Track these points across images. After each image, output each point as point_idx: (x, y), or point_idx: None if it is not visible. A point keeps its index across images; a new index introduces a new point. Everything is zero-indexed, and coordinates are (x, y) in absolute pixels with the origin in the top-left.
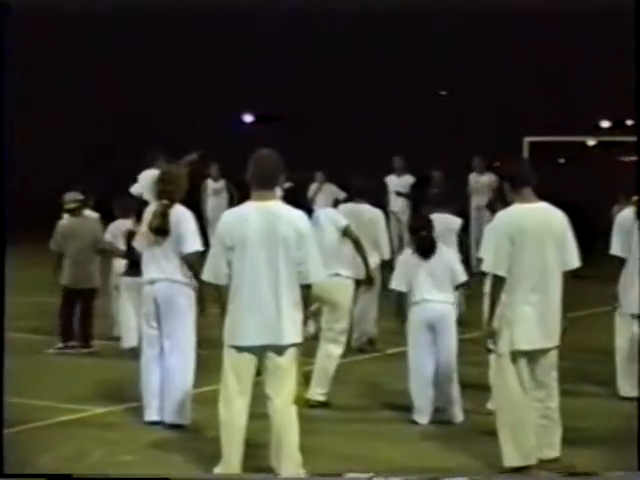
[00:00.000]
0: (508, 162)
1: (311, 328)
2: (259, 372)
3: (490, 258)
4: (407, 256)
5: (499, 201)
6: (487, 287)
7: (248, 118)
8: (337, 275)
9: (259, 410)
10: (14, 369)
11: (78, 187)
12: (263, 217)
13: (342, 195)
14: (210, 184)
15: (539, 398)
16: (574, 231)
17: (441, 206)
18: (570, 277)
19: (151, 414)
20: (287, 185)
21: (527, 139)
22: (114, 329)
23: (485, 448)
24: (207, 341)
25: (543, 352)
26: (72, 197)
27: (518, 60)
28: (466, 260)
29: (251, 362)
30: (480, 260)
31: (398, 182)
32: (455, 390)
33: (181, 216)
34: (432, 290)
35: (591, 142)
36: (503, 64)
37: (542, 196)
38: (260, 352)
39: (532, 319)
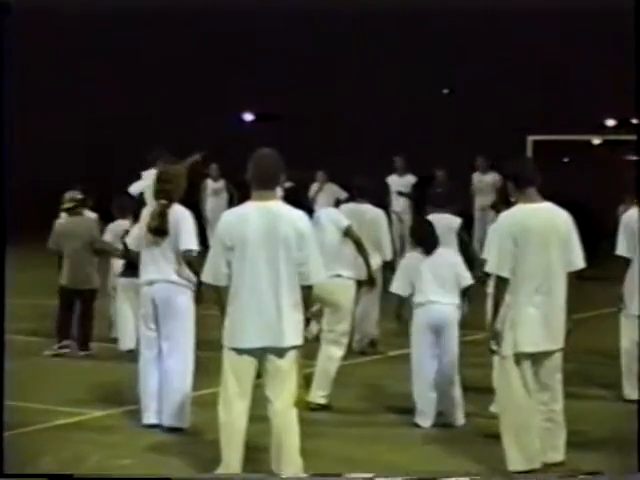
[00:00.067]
0: (512, 161)
1: (313, 329)
2: (259, 374)
3: (493, 259)
4: (409, 259)
5: (502, 201)
6: (490, 288)
7: (248, 117)
8: (338, 276)
9: (259, 413)
10: (12, 371)
11: (78, 186)
12: (263, 217)
13: (343, 195)
14: (210, 184)
15: (543, 401)
16: (579, 231)
17: (443, 206)
18: (575, 278)
19: (149, 417)
20: (288, 185)
21: (531, 138)
22: (112, 331)
23: (488, 452)
24: (206, 343)
25: (547, 354)
26: (70, 196)
27: (521, 59)
28: (467, 260)
29: (251, 364)
30: (483, 261)
31: (400, 182)
32: (457, 393)
33: (180, 216)
34: (437, 291)
35: (596, 141)
36: (506, 63)
37: (546, 196)
38: (260, 354)
39: (536, 321)
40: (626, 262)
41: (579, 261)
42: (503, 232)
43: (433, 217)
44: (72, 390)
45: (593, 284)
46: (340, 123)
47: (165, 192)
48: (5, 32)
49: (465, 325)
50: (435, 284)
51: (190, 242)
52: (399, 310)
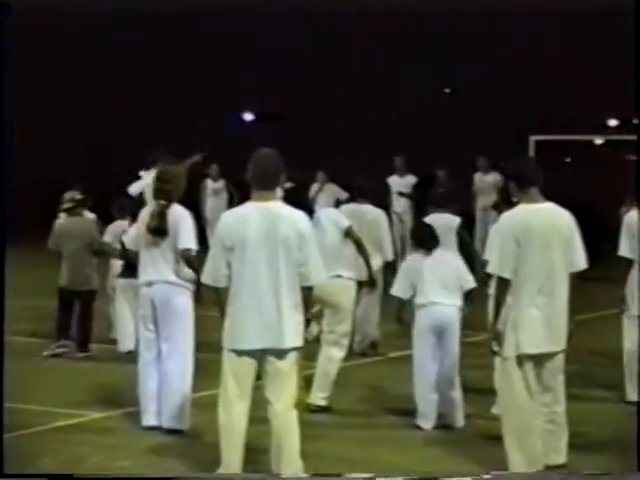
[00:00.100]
0: (514, 161)
1: (314, 331)
2: (259, 376)
3: (495, 260)
4: (410, 262)
5: (503, 201)
6: (492, 289)
7: (248, 117)
8: (339, 277)
9: (259, 414)
10: (10, 373)
11: (77, 187)
12: (263, 218)
13: (344, 195)
14: (209, 184)
15: (545, 403)
16: (581, 232)
17: (443, 206)
18: (577, 279)
19: (149, 419)
20: (288, 185)
21: (533, 138)
22: (111, 332)
23: (490, 454)
24: (206, 344)
25: (549, 356)
26: (70, 196)
27: (521, 59)
28: (468, 259)
29: (251, 366)
30: (485, 261)
31: (400, 182)
32: (457, 394)
33: (179, 216)
34: (439, 292)
35: (598, 141)
36: (506, 63)
37: (548, 196)
38: (260, 356)
39: (538, 322)
40: (629, 263)
41: (581, 262)
42: (505, 232)
43: (433, 217)
44: (71, 392)
45: (595, 285)
46: (340, 123)
47: (164, 192)
48: (5, 32)
49: (466, 326)
50: (437, 285)
51: (189, 241)
52: (400, 313)
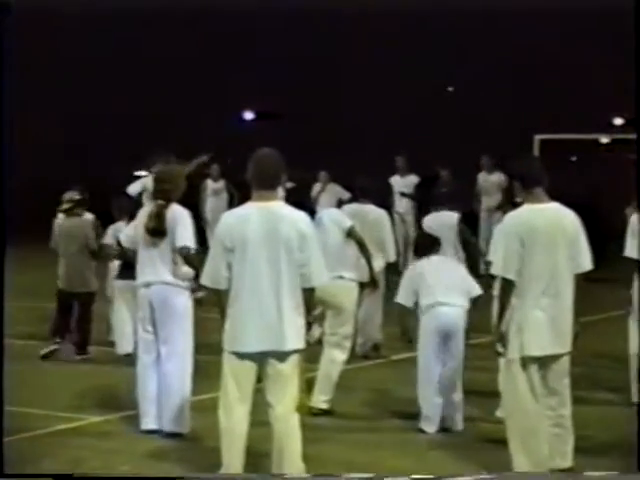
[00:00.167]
0: (519, 161)
1: (316, 333)
2: (260, 379)
3: (499, 261)
4: (412, 270)
5: (508, 201)
6: (496, 290)
7: (249, 116)
8: (341, 278)
9: (260, 417)
10: (10, 375)
11: (77, 187)
12: (264, 218)
13: (346, 195)
14: (209, 184)
15: (551, 406)
16: (586, 232)
17: (445, 205)
18: (582, 280)
19: (148, 422)
20: (289, 185)
21: (538, 137)
22: (110, 334)
23: (495, 457)
24: (206, 346)
25: (554, 358)
26: (69, 197)
27: (523, 58)
28: (469, 256)
29: (252, 368)
30: (488, 262)
31: (402, 182)
32: (458, 397)
33: (178, 216)
34: (445, 293)
35: (604, 140)
36: (506, 63)
37: (553, 196)
38: (261, 358)
39: (543, 324)
40: (635, 264)
41: (587, 263)
42: (509, 233)
43: (432, 216)
44: (70, 395)
45: (601, 286)
46: (341, 122)
47: (163, 192)
48: (5, 32)
49: (470, 328)
50: (442, 285)
51: (187, 238)
52: (403, 323)
